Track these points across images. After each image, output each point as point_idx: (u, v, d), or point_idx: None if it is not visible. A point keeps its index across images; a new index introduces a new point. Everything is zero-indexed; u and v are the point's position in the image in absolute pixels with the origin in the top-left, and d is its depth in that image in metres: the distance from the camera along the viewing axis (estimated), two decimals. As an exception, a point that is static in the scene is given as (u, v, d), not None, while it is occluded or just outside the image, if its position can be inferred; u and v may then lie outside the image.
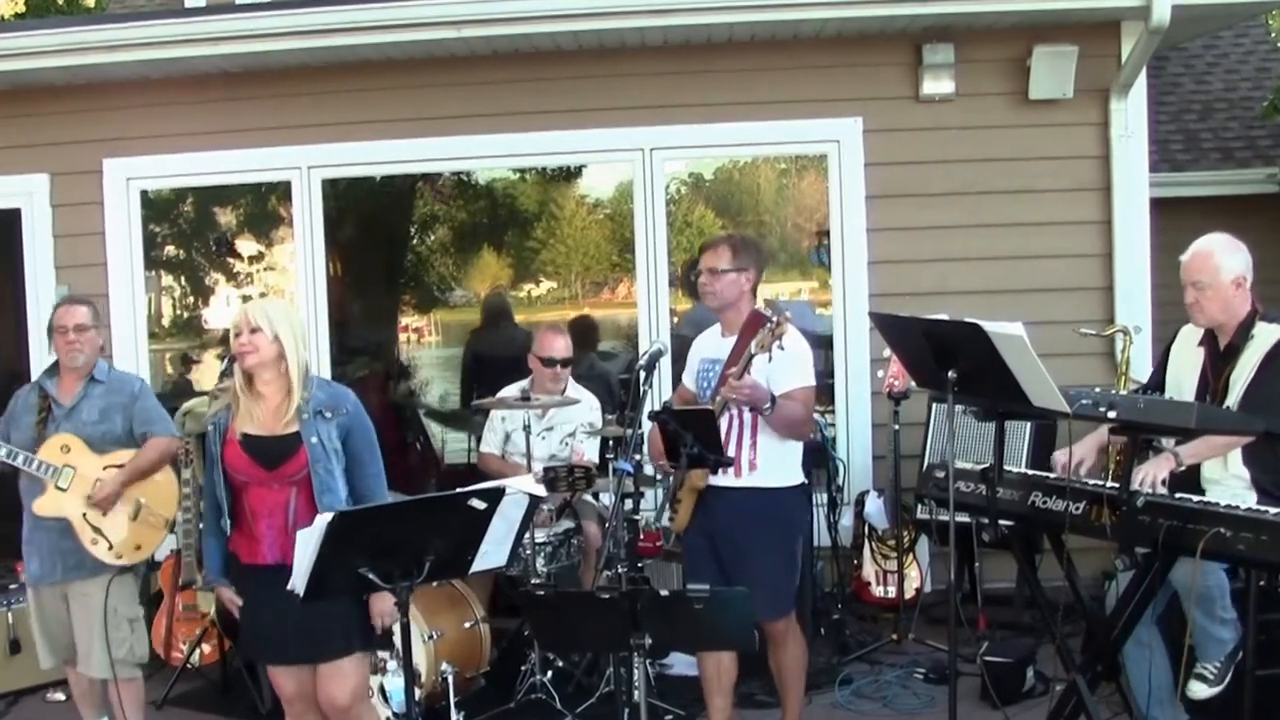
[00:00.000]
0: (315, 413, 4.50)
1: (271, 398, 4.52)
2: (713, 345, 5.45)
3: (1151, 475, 4.52)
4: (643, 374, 5.38)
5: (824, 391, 5.74)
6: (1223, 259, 4.86)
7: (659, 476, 6.43)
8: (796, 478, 5.34)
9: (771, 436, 5.19)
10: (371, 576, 3.77)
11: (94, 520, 5.34)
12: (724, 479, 5.21)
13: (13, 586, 6.79)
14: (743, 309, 5.30)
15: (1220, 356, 4.94)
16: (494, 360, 7.26)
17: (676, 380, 7.76)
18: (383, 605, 4.46)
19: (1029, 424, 6.76)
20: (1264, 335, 4.84)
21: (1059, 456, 4.84)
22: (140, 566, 5.64)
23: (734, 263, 5.22)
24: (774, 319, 5.01)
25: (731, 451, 5.20)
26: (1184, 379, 5.06)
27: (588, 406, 6.90)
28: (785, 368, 5.11)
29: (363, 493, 4.58)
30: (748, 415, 5.18)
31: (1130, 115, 7.75)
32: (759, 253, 5.42)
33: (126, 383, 5.62)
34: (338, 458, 4.53)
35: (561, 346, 6.81)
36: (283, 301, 4.64)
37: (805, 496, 5.48)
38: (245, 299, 9.59)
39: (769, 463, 5.21)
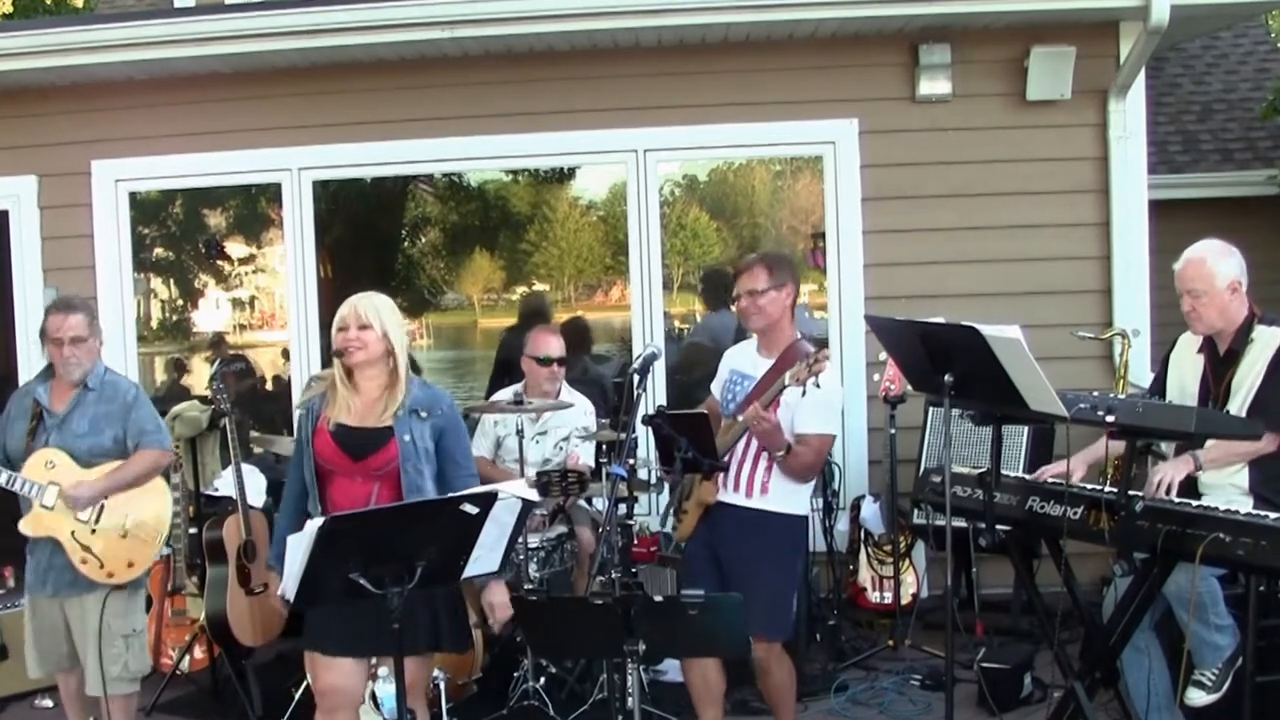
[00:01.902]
0: (410, 411, 4.51)
1: (369, 392, 4.54)
2: (746, 359, 5.38)
3: (1170, 476, 4.53)
4: (636, 377, 5.32)
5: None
6: (1217, 265, 4.85)
7: (653, 481, 6.38)
8: (804, 508, 5.29)
9: None
10: (363, 582, 3.71)
11: (83, 539, 5.20)
12: (734, 498, 5.18)
13: (1, 592, 6.73)
14: (784, 327, 5.24)
15: (1220, 361, 4.94)
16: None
17: (671, 384, 7.77)
18: (499, 597, 4.63)
19: (1026, 428, 6.72)
20: (1264, 339, 4.83)
21: (1048, 469, 4.85)
22: (143, 577, 5.46)
23: (772, 281, 5.16)
24: (814, 354, 4.95)
25: (746, 472, 5.17)
26: (1186, 385, 5.06)
27: (582, 410, 6.84)
28: (812, 409, 5.04)
29: (455, 490, 4.54)
30: None
31: (1129, 116, 7.72)
32: (793, 266, 5.37)
33: (119, 391, 5.37)
34: (428, 458, 4.53)
35: (555, 345, 6.76)
36: (387, 298, 4.63)
37: (806, 529, 5.42)
38: (235, 302, 9.56)
39: (780, 489, 5.15)
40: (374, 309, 4.51)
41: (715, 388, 5.57)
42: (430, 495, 4.49)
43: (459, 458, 4.62)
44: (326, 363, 8.16)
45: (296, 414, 4.61)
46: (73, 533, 5.20)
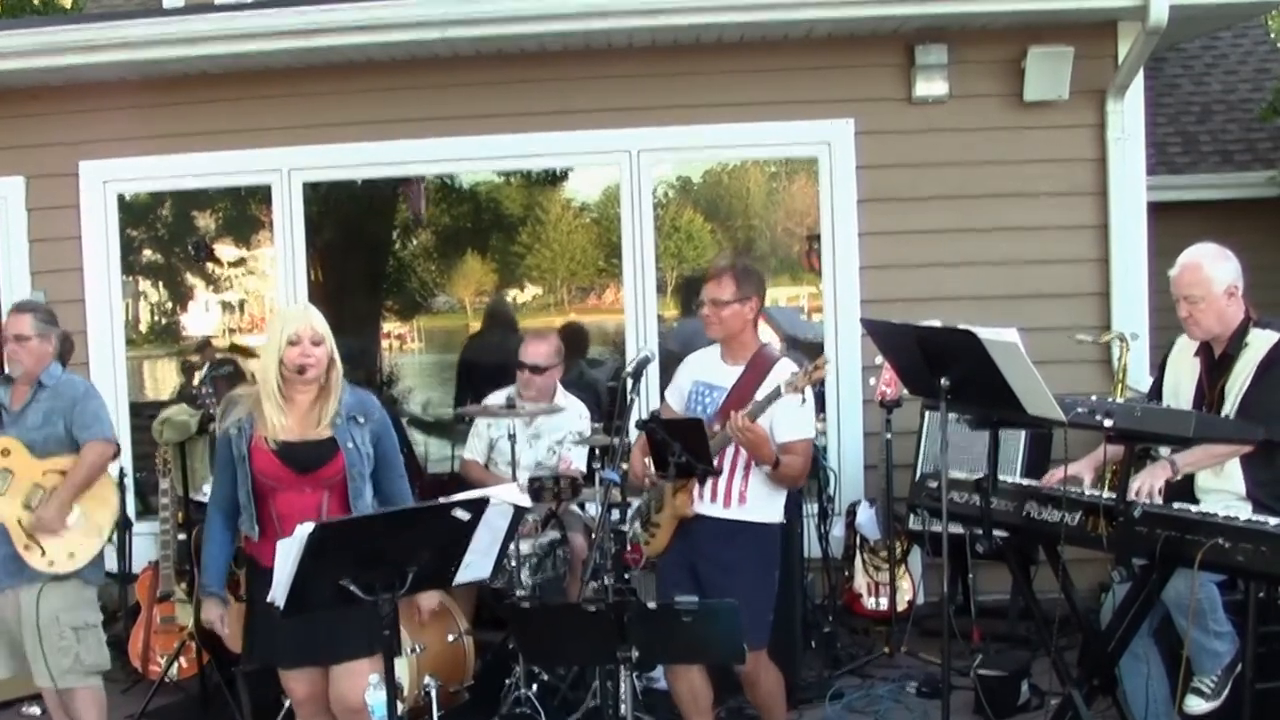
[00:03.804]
0: (348, 418, 4.54)
1: (302, 404, 4.55)
2: (711, 369, 5.32)
3: (1148, 484, 4.53)
4: (630, 382, 5.28)
5: (816, 399, 5.73)
6: (1213, 270, 4.83)
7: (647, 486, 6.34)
8: (779, 516, 5.25)
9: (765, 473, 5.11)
10: (353, 588, 3.68)
11: (28, 525, 5.25)
12: (711, 509, 5.12)
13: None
14: (747, 340, 5.20)
15: (1215, 365, 4.92)
16: (490, 367, 7.18)
17: (665, 388, 7.69)
18: (429, 602, 4.85)
19: (1024, 433, 6.67)
20: (1258, 342, 4.81)
21: (1053, 475, 4.81)
22: (91, 571, 5.45)
23: (737, 294, 5.11)
24: (813, 364, 4.92)
25: (724, 483, 5.11)
26: (1182, 389, 5.03)
27: (575, 414, 6.80)
28: (790, 416, 5.02)
29: (391, 495, 4.67)
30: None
31: (1127, 117, 7.67)
32: (761, 280, 5.31)
33: (70, 387, 5.48)
34: (369, 462, 4.58)
35: (541, 353, 6.69)
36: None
37: (784, 536, 5.37)
38: (224, 305, 9.53)
39: (758, 498, 5.11)
40: (323, 322, 4.55)
41: (672, 398, 5.49)
42: (369, 498, 4.58)
43: (392, 459, 4.71)
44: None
45: (227, 434, 4.58)
46: (19, 520, 5.25)
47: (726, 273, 5.16)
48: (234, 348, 9.17)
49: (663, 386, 7.66)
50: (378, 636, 4.37)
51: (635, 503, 5.88)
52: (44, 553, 5.25)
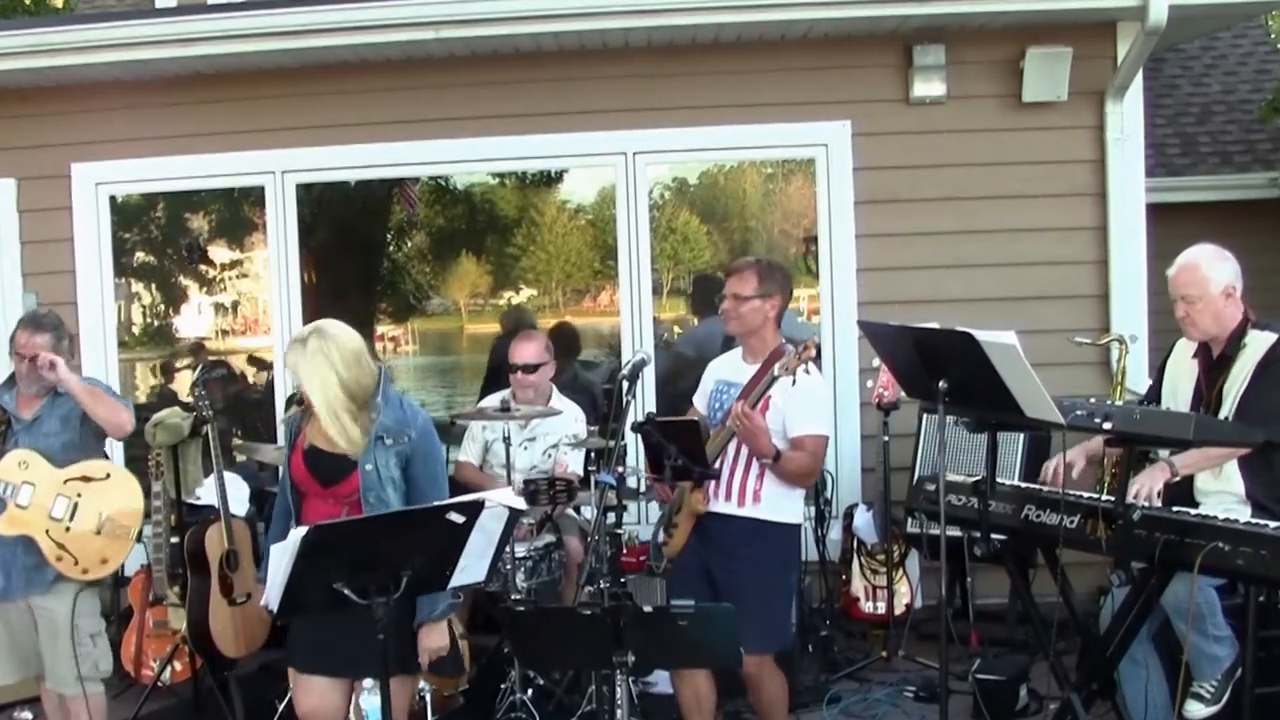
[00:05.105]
0: (376, 438, 4.35)
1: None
2: (732, 368, 5.33)
3: (1147, 487, 4.53)
4: (625, 384, 5.25)
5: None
6: (1211, 270, 4.82)
7: (644, 490, 6.31)
8: (797, 516, 5.25)
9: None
10: (347, 592, 3.67)
11: (57, 537, 5.24)
12: (726, 506, 5.12)
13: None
14: (766, 337, 5.19)
15: (1214, 366, 4.91)
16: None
17: (660, 390, 7.70)
18: (431, 642, 4.37)
19: (1022, 435, 6.65)
20: (1256, 343, 4.80)
21: (1049, 465, 4.82)
22: (106, 578, 5.54)
23: (759, 289, 5.12)
24: (802, 342, 4.92)
25: (738, 480, 5.11)
26: (1180, 391, 5.02)
27: (571, 417, 6.77)
28: (801, 409, 5.02)
29: None
30: None
31: (1126, 118, 7.65)
32: (785, 278, 5.30)
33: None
34: (395, 486, 4.38)
35: (530, 352, 6.67)
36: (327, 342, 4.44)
37: (799, 538, 5.37)
38: (217, 307, 9.50)
39: (773, 496, 5.10)
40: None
41: (699, 400, 5.52)
42: None
43: (425, 486, 4.44)
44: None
45: (281, 429, 4.53)
46: (47, 531, 5.25)
47: (750, 268, 5.19)
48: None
49: (658, 387, 7.69)
50: (404, 657, 4.35)
51: (631, 506, 5.87)
52: (77, 561, 5.27)
